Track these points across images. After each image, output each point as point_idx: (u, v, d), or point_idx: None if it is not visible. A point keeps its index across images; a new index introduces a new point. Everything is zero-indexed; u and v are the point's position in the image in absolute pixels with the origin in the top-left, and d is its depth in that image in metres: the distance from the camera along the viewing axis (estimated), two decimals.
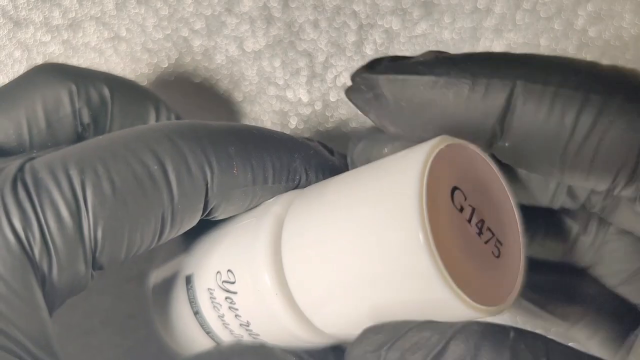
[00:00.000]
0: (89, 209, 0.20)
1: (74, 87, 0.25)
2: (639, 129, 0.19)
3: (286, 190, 0.24)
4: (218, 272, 0.24)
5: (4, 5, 0.36)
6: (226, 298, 0.24)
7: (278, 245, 0.22)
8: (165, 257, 0.27)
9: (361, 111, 0.23)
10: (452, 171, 0.19)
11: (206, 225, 0.25)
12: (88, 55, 0.35)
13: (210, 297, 0.24)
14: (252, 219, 0.23)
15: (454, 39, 0.35)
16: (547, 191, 0.23)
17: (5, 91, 0.25)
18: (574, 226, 0.25)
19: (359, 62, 0.35)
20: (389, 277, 0.19)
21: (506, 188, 0.21)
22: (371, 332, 0.20)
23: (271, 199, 0.24)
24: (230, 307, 0.24)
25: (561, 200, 0.23)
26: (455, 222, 0.19)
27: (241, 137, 0.23)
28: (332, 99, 0.35)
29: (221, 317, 0.24)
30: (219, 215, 0.23)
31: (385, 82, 0.21)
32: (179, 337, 0.27)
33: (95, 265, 0.21)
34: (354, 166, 0.24)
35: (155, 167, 0.21)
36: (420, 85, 0.20)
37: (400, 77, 0.21)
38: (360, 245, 0.20)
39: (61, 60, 0.36)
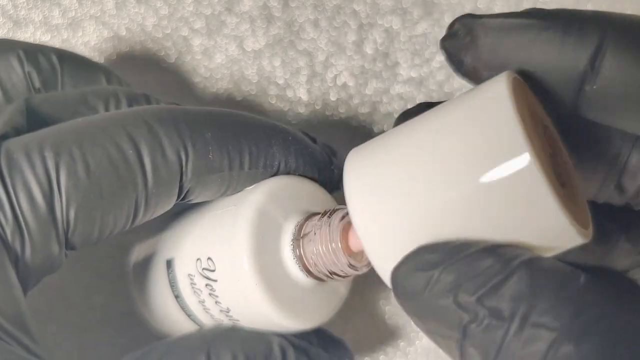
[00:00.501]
0: (62, 190, 0.20)
1: (22, 53, 0.25)
2: None
3: (264, 177, 0.24)
4: (198, 259, 0.24)
5: (3, 5, 0.36)
6: (206, 285, 0.24)
7: (259, 234, 0.23)
8: (146, 235, 0.27)
9: (453, 60, 0.22)
10: (525, 102, 0.19)
11: (188, 207, 0.25)
12: (88, 55, 0.35)
13: (191, 283, 0.24)
14: (232, 207, 0.24)
15: None
16: (594, 181, 0.22)
17: None
18: (614, 229, 0.24)
19: (359, 62, 0.35)
20: (488, 191, 0.18)
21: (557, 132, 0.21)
22: (425, 250, 0.19)
23: (251, 187, 0.24)
24: (210, 294, 0.24)
25: (608, 194, 0.22)
26: (541, 147, 0.18)
27: (218, 122, 0.23)
28: (332, 99, 0.34)
29: (202, 302, 0.24)
30: (194, 199, 0.23)
31: (484, 26, 0.21)
32: (160, 317, 0.27)
33: (68, 245, 0.21)
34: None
35: (131, 151, 0.21)
36: (516, 28, 0.20)
37: (498, 20, 0.21)
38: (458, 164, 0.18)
39: None
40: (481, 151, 0.17)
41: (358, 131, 0.34)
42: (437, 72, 0.34)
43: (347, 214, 0.23)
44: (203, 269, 0.24)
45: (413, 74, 0.34)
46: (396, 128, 0.21)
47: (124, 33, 0.36)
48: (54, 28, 0.36)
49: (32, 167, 0.20)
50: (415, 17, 0.35)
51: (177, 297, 0.25)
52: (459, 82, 0.34)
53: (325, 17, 0.35)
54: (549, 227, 0.17)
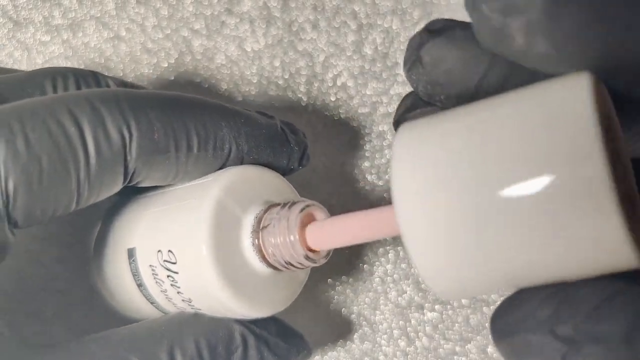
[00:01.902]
0: (0, 163, 0.20)
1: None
2: None
3: (216, 160, 0.24)
4: (159, 250, 0.24)
5: (4, 5, 0.36)
6: (168, 276, 0.24)
7: (219, 228, 0.23)
8: (106, 221, 0.28)
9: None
10: (602, 106, 0.17)
11: (144, 191, 0.25)
12: (88, 55, 0.35)
13: (153, 274, 0.25)
14: (192, 200, 0.24)
15: None
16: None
17: None
18: None
19: (358, 62, 0.35)
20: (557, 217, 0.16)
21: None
22: (532, 303, 0.18)
23: (211, 178, 0.24)
24: (172, 285, 0.24)
25: None
26: (614, 163, 0.16)
27: (164, 103, 0.23)
28: (331, 99, 0.35)
29: (164, 292, 0.25)
30: (142, 182, 0.23)
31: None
32: (124, 303, 0.27)
33: (10, 220, 0.21)
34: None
35: (73, 127, 0.21)
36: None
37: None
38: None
39: (61, 60, 0.36)
40: (555, 157, 0.16)
41: (358, 131, 0.34)
42: None
43: (306, 206, 0.24)
44: (164, 260, 0.24)
45: None
46: (456, 114, 0.19)
47: (124, 34, 0.36)
48: (54, 29, 0.36)
49: None
50: (415, 18, 0.35)
51: (139, 285, 0.26)
52: None
53: (324, 18, 0.35)
54: (608, 247, 0.16)
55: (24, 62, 0.36)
